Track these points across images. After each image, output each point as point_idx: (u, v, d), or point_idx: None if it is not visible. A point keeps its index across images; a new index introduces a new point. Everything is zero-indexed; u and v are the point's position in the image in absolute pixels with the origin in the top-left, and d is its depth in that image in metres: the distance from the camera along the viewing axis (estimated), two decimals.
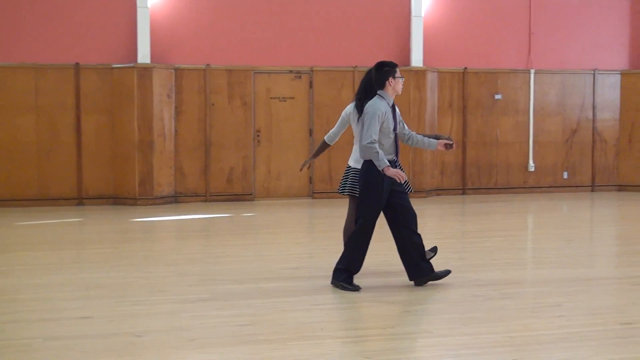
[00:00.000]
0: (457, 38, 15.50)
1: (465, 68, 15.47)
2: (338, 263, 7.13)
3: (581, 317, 6.06)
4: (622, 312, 6.28)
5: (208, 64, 14.42)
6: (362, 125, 6.92)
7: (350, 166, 7.53)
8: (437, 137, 7.40)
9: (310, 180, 15.03)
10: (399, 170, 6.96)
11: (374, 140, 6.78)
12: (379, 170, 6.83)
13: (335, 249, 9.37)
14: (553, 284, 7.29)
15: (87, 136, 14.02)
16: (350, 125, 7.67)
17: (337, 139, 7.84)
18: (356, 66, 14.95)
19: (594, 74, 16.04)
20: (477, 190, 15.66)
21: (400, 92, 7.15)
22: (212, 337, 5.54)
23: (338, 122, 7.74)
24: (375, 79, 7.02)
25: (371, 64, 14.95)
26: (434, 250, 7.79)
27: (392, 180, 6.93)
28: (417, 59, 14.96)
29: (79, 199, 14.02)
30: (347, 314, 6.22)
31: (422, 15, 15.03)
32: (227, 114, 14.55)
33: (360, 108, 7.21)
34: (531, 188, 15.91)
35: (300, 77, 14.88)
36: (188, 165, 14.45)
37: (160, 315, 6.17)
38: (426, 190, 15.09)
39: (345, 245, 7.20)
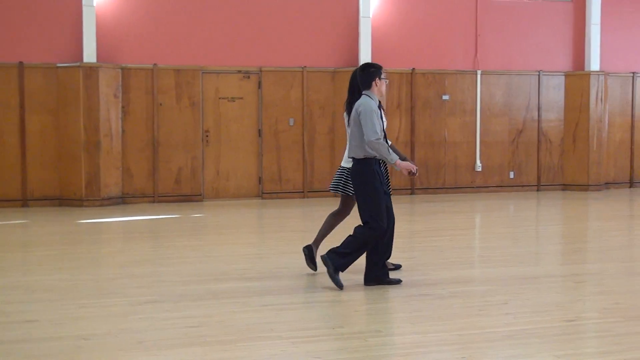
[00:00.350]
0: (405, 39, 15.62)
1: (413, 69, 15.60)
2: (368, 269, 7.11)
3: (527, 314, 6.15)
4: (566, 309, 6.40)
5: (155, 64, 14.29)
6: (359, 124, 6.94)
7: (344, 167, 7.59)
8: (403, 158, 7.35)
9: (260, 180, 14.99)
10: (409, 162, 7.07)
11: (380, 136, 6.86)
12: (370, 170, 6.94)
13: (284, 249, 9.37)
14: (500, 282, 7.39)
15: (31, 136, 13.77)
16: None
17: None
18: (305, 66, 14.96)
19: (538, 75, 16.31)
20: (425, 190, 15.80)
21: (384, 94, 7.27)
22: (161, 338, 5.49)
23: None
24: (360, 80, 7.11)
25: (320, 64, 14.96)
26: (397, 267, 7.85)
27: (381, 180, 7.01)
28: (365, 60, 15.01)
29: (24, 201, 13.77)
30: (296, 314, 6.21)
31: (370, 16, 15.11)
32: (175, 114, 14.44)
33: (349, 109, 7.28)
34: (478, 188, 16.11)
35: (249, 77, 14.83)
36: (136, 165, 14.30)
37: (107, 317, 6.09)
38: None
39: (368, 254, 7.15)
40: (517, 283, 7.37)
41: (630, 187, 17.01)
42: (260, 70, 14.83)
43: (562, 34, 16.56)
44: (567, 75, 16.47)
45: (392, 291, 6.99)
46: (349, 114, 7.31)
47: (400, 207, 13.96)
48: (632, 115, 16.92)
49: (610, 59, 16.65)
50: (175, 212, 13.18)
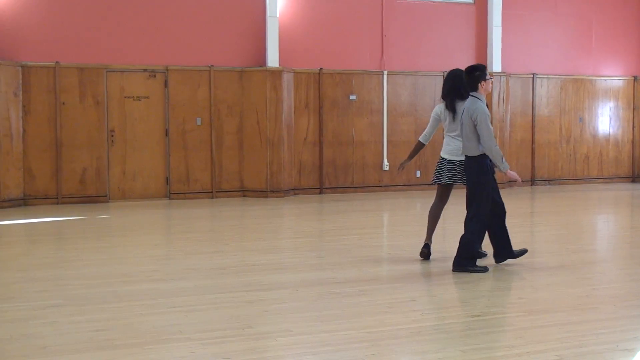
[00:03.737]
0: (313, 39, 15.68)
1: (321, 69, 15.68)
2: (461, 252, 7.77)
3: (434, 310, 6.27)
4: (472, 305, 6.54)
5: (57, 62, 13.91)
6: (473, 127, 7.61)
7: (444, 158, 8.39)
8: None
9: (167, 181, 14.79)
10: (516, 174, 7.98)
11: (495, 142, 7.65)
12: (485, 166, 7.67)
13: (192, 250, 9.27)
14: (408, 280, 7.50)
15: None
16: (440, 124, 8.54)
17: (430, 138, 8.76)
18: (212, 65, 14.84)
19: (443, 75, 16.62)
20: (334, 189, 15.90)
21: (490, 91, 8.18)
22: (66, 343, 5.34)
23: (430, 123, 8.62)
24: (468, 83, 7.77)
25: (227, 63, 14.82)
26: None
27: (492, 174, 7.78)
28: (272, 59, 15.02)
29: None
30: (205, 316, 6.15)
31: (277, 15, 15.11)
32: (78, 114, 14.10)
33: (452, 108, 8.19)
34: (386, 186, 16.32)
35: (155, 76, 14.61)
36: (38, 166, 13.90)
37: (8, 323, 5.88)
38: (284, 190, 15.18)
39: (464, 236, 7.80)
40: (424, 280, 7.50)
41: (531, 185, 17.54)
42: (167, 69, 14.63)
43: (465, 35, 16.94)
44: None
45: (301, 291, 7.00)
46: (451, 111, 8.17)
47: (309, 207, 14.02)
48: (533, 115, 17.46)
49: (511, 61, 17.13)
50: (79, 213, 12.86)
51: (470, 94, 7.78)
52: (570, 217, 12.74)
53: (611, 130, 18.31)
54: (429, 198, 15.28)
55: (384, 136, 16.28)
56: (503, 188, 15.91)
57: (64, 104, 14.00)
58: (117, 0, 14.33)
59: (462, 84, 8.02)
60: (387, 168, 16.27)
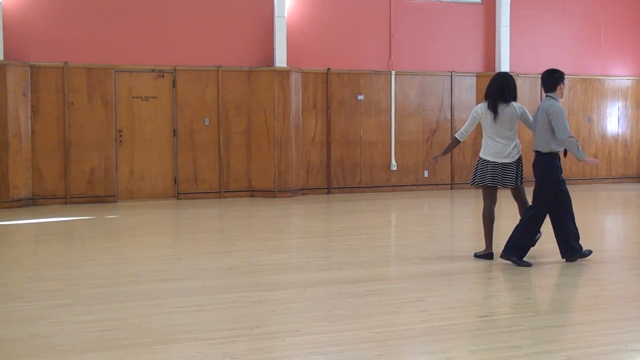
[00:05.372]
0: (320, 39, 15.68)
1: (329, 69, 15.67)
2: (512, 239, 8.10)
3: (442, 311, 6.25)
4: (480, 305, 6.53)
5: (66, 62, 13.95)
6: (548, 124, 7.99)
7: (487, 160, 8.49)
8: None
9: (175, 181, 14.81)
10: (595, 159, 8.45)
11: (571, 134, 7.97)
12: (554, 163, 8.05)
13: (200, 250, 9.28)
14: (416, 280, 7.49)
15: None
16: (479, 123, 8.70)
17: (467, 136, 8.88)
18: (220, 65, 14.85)
19: (451, 75, 16.62)
20: (342, 189, 15.90)
21: (564, 96, 8.25)
22: (74, 343, 5.36)
23: (469, 120, 8.72)
24: (547, 83, 8.20)
25: (235, 63, 14.78)
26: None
27: (559, 172, 8.14)
28: (280, 60, 15.03)
29: None
30: (213, 316, 6.15)
31: (285, 15, 15.11)
32: (87, 114, 14.13)
33: (494, 109, 8.38)
34: (394, 186, 16.30)
35: (162, 76, 14.63)
36: (46, 166, 13.94)
37: (17, 323, 5.90)
38: (292, 190, 15.19)
39: (520, 225, 8.15)
40: (432, 280, 7.49)
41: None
42: (175, 69, 14.65)
43: (473, 35, 16.92)
44: (478, 76, 16.83)
45: (309, 291, 7.00)
46: (493, 111, 8.37)
47: (317, 207, 14.02)
48: None
49: (519, 60, 17.10)
50: (88, 213, 12.89)
51: (547, 94, 8.21)
52: (579, 217, 12.65)
53: (620, 130, 18.24)
54: (437, 198, 15.36)
55: (391, 136, 16.26)
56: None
57: (72, 104, 14.03)
58: (125, 1, 14.36)
59: (509, 88, 8.42)
60: (394, 168, 16.25)
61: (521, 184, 8.52)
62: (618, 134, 18.24)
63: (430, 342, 5.40)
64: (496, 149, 8.42)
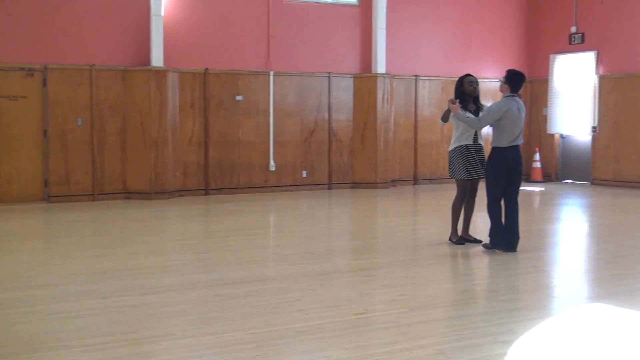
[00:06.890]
0: (198, 39, 15.51)
1: (207, 69, 15.53)
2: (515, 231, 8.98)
3: (319, 310, 6.30)
4: (356, 303, 6.62)
5: None
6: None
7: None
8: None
9: (46, 183, 14.29)
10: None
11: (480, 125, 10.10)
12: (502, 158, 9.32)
13: (72, 254, 9.00)
14: (293, 280, 7.52)
15: None
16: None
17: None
18: (93, 64, 14.45)
19: (329, 76, 16.78)
20: (220, 190, 15.78)
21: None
22: None
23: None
24: (518, 85, 9.55)
25: (110, 62, 14.44)
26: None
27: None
28: (157, 59, 14.76)
29: None
30: (85, 322, 5.97)
31: (162, 14, 14.85)
32: None
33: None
34: (272, 187, 16.31)
35: (32, 74, 14.10)
36: None
37: None
38: (168, 191, 14.94)
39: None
40: (310, 280, 7.54)
41: (414, 184, 17.91)
42: (46, 68, 14.14)
43: (350, 37, 17.15)
44: (355, 77, 17.07)
45: (186, 293, 6.92)
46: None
47: (195, 208, 13.87)
48: (415, 116, 17.84)
49: (395, 62, 17.45)
50: None
51: (515, 94, 9.54)
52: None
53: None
54: (315, 198, 15.47)
55: (270, 136, 16.26)
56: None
57: None
58: None
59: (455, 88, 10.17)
60: (273, 168, 16.27)
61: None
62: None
63: (308, 341, 5.44)
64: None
